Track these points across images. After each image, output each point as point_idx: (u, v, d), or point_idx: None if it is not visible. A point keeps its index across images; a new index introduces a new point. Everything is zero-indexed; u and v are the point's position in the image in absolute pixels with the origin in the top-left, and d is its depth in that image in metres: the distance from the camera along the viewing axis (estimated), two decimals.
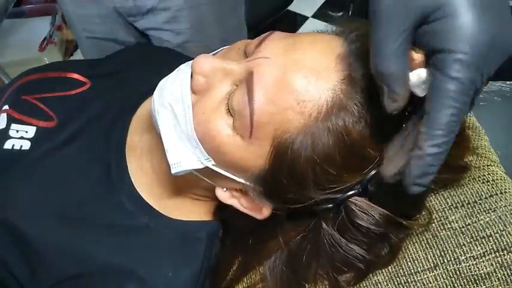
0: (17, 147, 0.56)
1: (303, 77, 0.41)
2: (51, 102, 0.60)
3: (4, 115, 0.59)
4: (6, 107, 0.60)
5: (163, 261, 0.52)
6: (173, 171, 0.46)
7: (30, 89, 0.62)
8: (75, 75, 0.64)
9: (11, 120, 0.59)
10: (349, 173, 0.43)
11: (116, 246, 0.51)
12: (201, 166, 0.46)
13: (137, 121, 0.60)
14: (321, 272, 0.49)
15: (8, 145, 0.57)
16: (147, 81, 0.59)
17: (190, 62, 0.48)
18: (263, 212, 0.49)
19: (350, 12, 1.97)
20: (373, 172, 0.43)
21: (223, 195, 0.50)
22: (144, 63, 0.69)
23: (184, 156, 0.46)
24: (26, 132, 0.58)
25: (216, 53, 0.51)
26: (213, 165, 0.46)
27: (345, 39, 0.44)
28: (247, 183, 0.47)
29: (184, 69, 0.48)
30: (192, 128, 0.45)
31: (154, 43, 0.85)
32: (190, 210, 0.57)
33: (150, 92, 0.59)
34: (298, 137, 0.42)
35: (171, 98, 0.46)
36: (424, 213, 0.51)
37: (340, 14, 1.99)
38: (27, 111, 0.59)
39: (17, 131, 0.58)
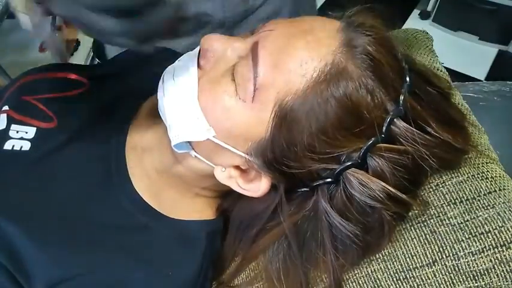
0: (17, 148, 0.57)
1: (305, 43, 0.43)
2: (51, 102, 0.61)
3: (4, 116, 0.59)
4: (6, 107, 0.60)
5: (163, 261, 0.52)
6: (173, 142, 0.48)
7: (30, 89, 0.62)
8: (75, 76, 0.64)
9: (11, 120, 0.59)
10: (347, 137, 0.44)
11: (116, 246, 0.51)
12: (201, 138, 0.47)
13: (138, 121, 0.60)
14: (320, 253, 0.49)
15: (8, 146, 0.57)
16: (147, 82, 0.59)
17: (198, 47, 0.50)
18: (261, 188, 0.49)
19: None
20: (370, 141, 0.43)
21: (221, 175, 0.50)
22: (144, 64, 0.69)
23: (186, 128, 0.47)
24: (26, 132, 0.58)
25: None
26: (213, 136, 0.47)
27: (344, 19, 0.47)
28: (247, 156, 0.47)
29: (191, 51, 0.51)
30: (196, 97, 0.47)
31: None
32: (190, 209, 0.57)
33: (150, 92, 0.60)
34: (298, 98, 0.43)
35: (178, 74, 0.49)
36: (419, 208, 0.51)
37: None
38: (27, 112, 0.59)
39: (17, 132, 0.58)
